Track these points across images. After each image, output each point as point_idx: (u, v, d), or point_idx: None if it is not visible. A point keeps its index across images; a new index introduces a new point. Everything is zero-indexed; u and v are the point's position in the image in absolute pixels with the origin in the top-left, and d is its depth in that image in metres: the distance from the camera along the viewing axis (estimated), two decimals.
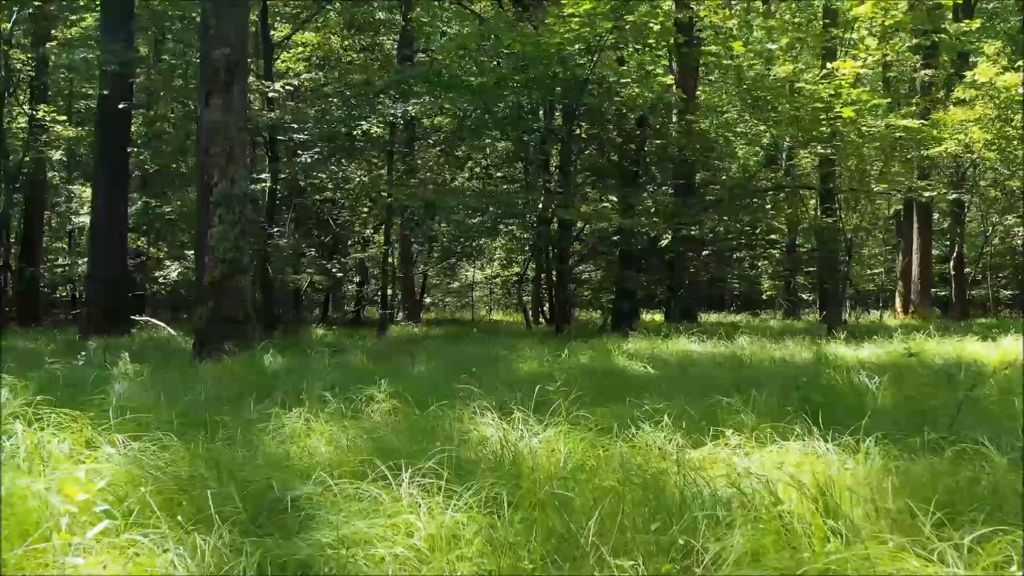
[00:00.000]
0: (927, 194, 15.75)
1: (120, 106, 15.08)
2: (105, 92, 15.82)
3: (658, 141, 18.28)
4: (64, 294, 26.67)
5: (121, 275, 16.62)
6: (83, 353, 8.13)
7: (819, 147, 13.77)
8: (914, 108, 14.24)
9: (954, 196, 18.14)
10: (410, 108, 17.36)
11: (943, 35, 14.44)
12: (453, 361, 8.98)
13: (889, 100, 15.97)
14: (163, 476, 3.25)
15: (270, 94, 15.45)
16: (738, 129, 20.59)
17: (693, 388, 6.66)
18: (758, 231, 20.97)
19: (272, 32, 19.62)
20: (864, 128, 13.54)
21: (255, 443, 4.01)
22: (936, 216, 25.40)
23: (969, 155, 17.25)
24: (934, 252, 25.72)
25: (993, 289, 31.16)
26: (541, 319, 20.67)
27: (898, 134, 13.68)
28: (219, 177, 9.15)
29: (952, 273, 24.98)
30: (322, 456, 3.78)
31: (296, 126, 16.53)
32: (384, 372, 7.62)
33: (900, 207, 25.66)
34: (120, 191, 16.73)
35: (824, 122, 13.25)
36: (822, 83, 13.18)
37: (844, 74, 12.73)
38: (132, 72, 15.50)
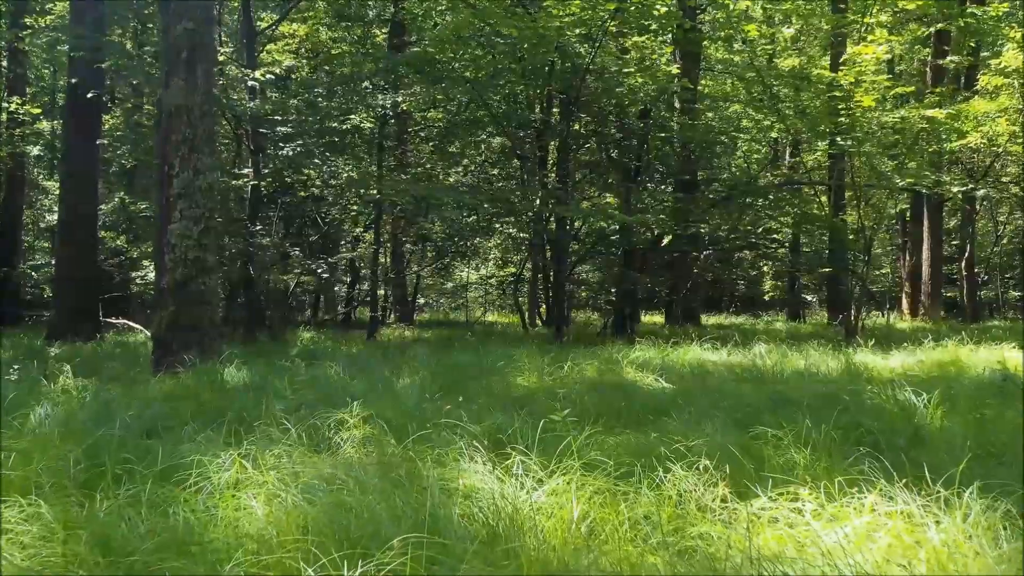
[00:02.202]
0: (955, 189, 14.87)
1: (89, 95, 14.06)
2: (73, 80, 14.84)
3: (661, 134, 17.36)
4: (49, 295, 25.68)
5: (91, 275, 15.57)
6: (15, 367, 7.16)
7: (838, 139, 12.85)
8: (936, 99, 13.34)
9: (982, 192, 17.20)
10: (400, 100, 16.44)
11: (970, 19, 13.55)
12: (443, 372, 8.04)
13: (914, 88, 15.09)
14: (19, 566, 2.30)
15: (250, 82, 14.47)
16: (743, 123, 19.67)
17: (720, 409, 5.73)
18: (760, 230, 20.08)
19: (258, 23, 18.64)
20: (886, 119, 12.64)
21: (169, 502, 3.06)
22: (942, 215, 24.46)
23: (994, 148, 16.35)
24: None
25: (1001, 290, 30.35)
26: (538, 320, 19.76)
27: (921, 126, 12.78)
28: (180, 167, 8.15)
29: (964, 274, 24.05)
30: (255, 525, 2.83)
31: (280, 117, 15.57)
32: (362, 388, 6.69)
33: (907, 206, 24.69)
34: (90, 186, 15.69)
35: (843, 112, 12.34)
36: (841, 69, 12.26)
37: (866, 59, 11.81)
38: (102, 59, 14.46)
